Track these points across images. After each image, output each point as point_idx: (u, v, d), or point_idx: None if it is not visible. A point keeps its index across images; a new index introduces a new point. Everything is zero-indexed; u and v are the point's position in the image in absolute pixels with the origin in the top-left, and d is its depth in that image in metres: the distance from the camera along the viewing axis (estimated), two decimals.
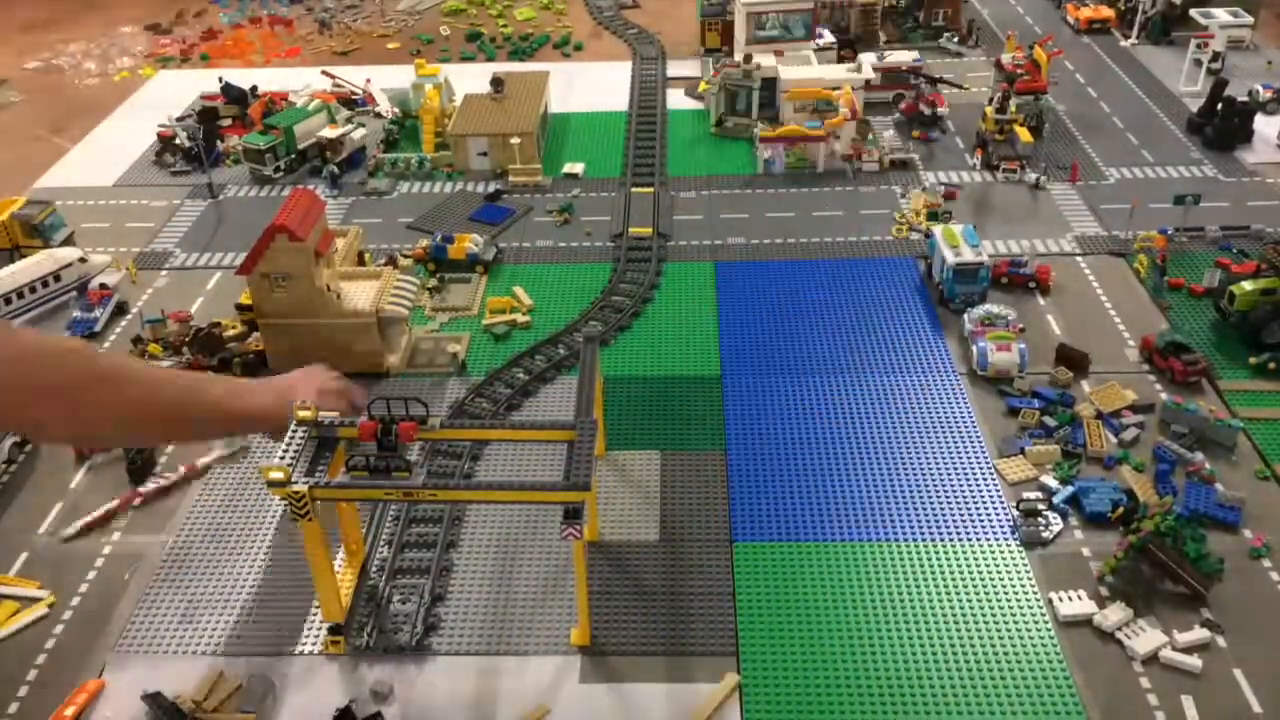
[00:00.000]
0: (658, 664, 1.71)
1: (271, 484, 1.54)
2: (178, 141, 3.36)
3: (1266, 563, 1.86)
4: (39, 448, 2.16)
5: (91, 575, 1.92)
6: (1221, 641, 1.71)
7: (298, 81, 3.75)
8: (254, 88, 3.64)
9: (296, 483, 1.54)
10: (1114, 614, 1.75)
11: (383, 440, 1.58)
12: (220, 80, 3.66)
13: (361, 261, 2.59)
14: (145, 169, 3.36)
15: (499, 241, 2.83)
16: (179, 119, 3.43)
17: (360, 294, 2.28)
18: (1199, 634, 1.72)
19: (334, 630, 1.73)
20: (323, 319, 2.21)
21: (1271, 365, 2.27)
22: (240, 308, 2.56)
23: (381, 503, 1.98)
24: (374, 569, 1.87)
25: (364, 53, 4.31)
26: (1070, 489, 1.96)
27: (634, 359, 2.39)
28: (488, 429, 1.91)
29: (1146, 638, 1.73)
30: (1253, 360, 2.29)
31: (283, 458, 1.59)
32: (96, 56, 4.45)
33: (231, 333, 2.47)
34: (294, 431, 1.61)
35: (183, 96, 3.78)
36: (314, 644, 1.77)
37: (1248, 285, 2.33)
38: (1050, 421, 2.14)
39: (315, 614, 1.81)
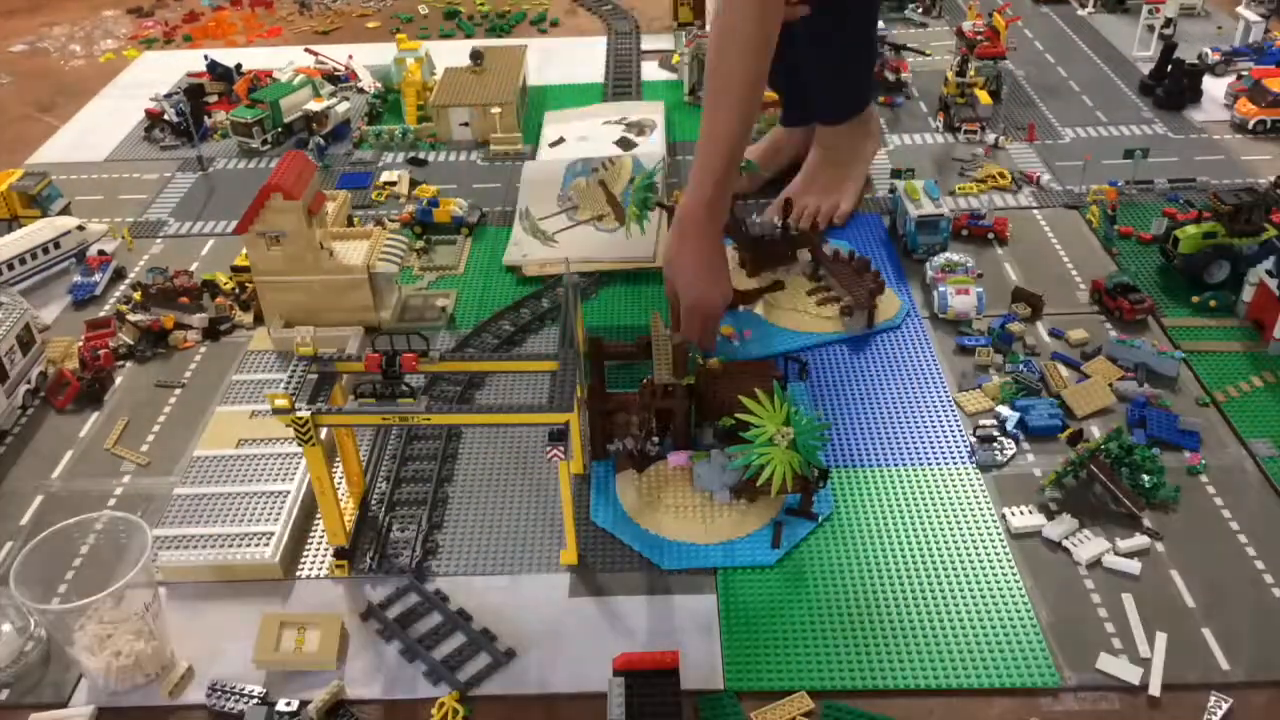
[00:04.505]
0: (639, 578, 1.84)
1: (276, 410, 1.66)
2: (166, 118, 3.46)
3: (1204, 478, 2.01)
4: (50, 399, 2.28)
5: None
6: (1160, 548, 1.86)
7: (281, 60, 3.85)
8: (238, 65, 3.74)
9: (300, 409, 1.66)
10: (1060, 526, 1.90)
11: (387, 370, 1.70)
12: (206, 58, 3.76)
13: (350, 225, 2.71)
14: (135, 145, 3.46)
15: (483, 206, 2.95)
16: (166, 96, 3.53)
17: (352, 252, 2.40)
18: (1138, 541, 1.87)
19: (339, 554, 1.85)
20: (316, 275, 2.33)
21: (1212, 303, 2.42)
22: (235, 269, 2.68)
23: (380, 430, 2.11)
24: (374, 501, 2.00)
25: (344, 31, 4.41)
26: (1016, 414, 2.10)
27: (615, 310, 2.52)
28: (479, 361, 2.04)
29: (1090, 545, 1.87)
30: (1195, 299, 2.44)
31: (285, 387, 1.71)
32: (81, 39, 4.53)
33: (227, 286, 2.58)
34: (295, 364, 1.74)
35: (168, 76, 3.87)
36: (320, 569, 1.89)
37: (1191, 229, 2.47)
38: (1001, 359, 2.28)
39: (319, 541, 1.94)
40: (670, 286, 2.24)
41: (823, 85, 2.59)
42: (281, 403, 1.70)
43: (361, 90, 3.70)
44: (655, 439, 2.02)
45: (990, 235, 2.79)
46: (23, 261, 2.72)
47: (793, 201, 2.73)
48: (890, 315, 2.43)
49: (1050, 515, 1.96)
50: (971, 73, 3.39)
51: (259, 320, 2.53)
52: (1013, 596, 1.81)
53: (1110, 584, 1.84)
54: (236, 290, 2.64)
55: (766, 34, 2.14)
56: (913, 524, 1.97)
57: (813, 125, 2.83)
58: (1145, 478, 1.96)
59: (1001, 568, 1.87)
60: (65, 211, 3.06)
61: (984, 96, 3.35)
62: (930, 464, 2.10)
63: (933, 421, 2.21)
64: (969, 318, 2.46)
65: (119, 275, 2.80)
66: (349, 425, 1.94)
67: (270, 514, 1.99)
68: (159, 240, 3.00)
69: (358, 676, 1.73)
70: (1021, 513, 1.97)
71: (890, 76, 3.59)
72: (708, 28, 3.82)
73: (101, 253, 2.81)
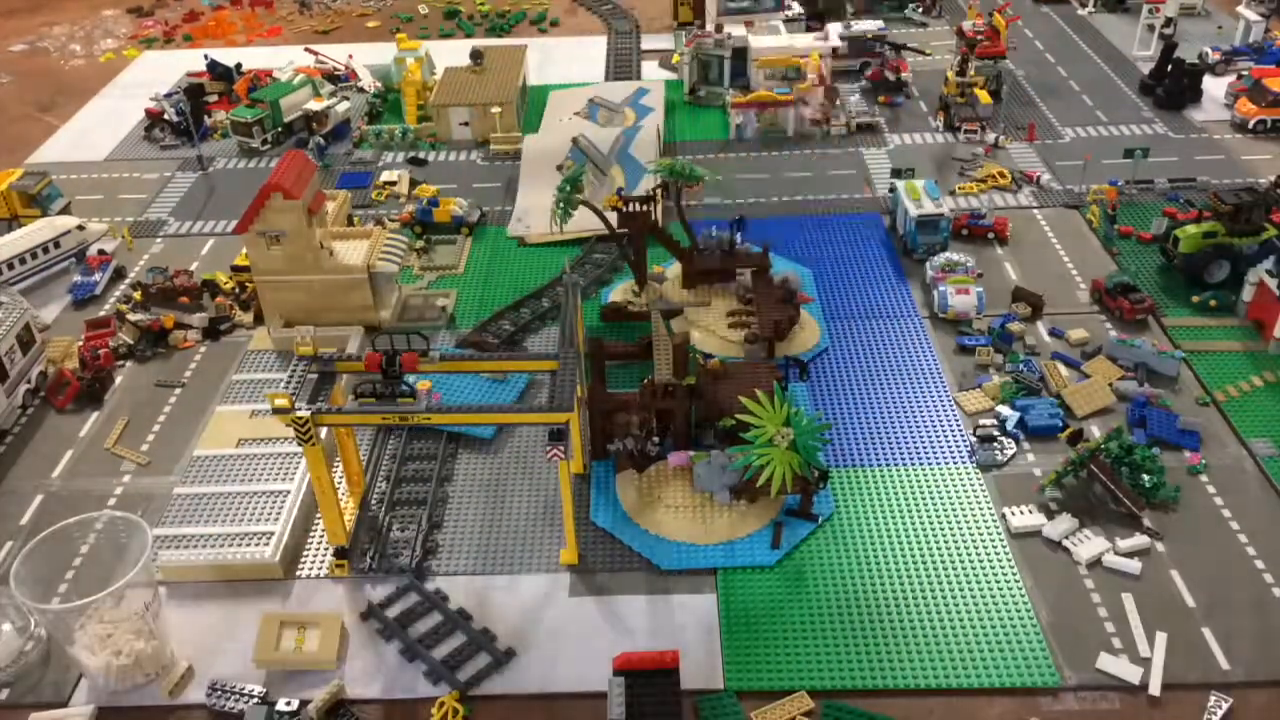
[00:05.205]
0: (639, 578, 1.84)
1: (276, 410, 1.66)
2: (166, 118, 3.46)
3: (1204, 478, 2.00)
4: (50, 398, 2.28)
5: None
6: (1160, 547, 1.86)
7: (280, 59, 3.84)
8: (238, 65, 3.73)
9: (300, 409, 1.66)
10: (1061, 525, 1.89)
11: (387, 370, 1.70)
12: (206, 58, 3.76)
13: (350, 225, 2.71)
14: (135, 144, 3.46)
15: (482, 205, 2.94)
16: (166, 95, 3.53)
17: (352, 252, 2.39)
18: (1139, 540, 1.87)
19: (339, 554, 1.85)
20: (316, 275, 2.32)
21: (1212, 303, 2.42)
22: (235, 269, 2.68)
23: (380, 430, 2.10)
24: (374, 501, 2.00)
25: (344, 31, 4.41)
26: (1016, 413, 2.10)
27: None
28: (479, 361, 2.04)
29: (1090, 545, 1.87)
30: (1195, 299, 2.44)
31: (285, 387, 1.71)
32: (81, 39, 4.53)
33: (227, 286, 2.58)
34: (295, 364, 1.74)
35: (167, 75, 3.87)
36: (320, 568, 1.89)
37: (1191, 229, 2.47)
38: (1001, 359, 2.28)
39: (319, 540, 1.94)
40: None
41: None
42: (281, 402, 1.70)
43: (361, 90, 3.70)
44: (655, 439, 2.02)
45: (990, 235, 2.79)
46: (23, 261, 2.72)
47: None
48: (803, 348, 2.42)
49: (1050, 515, 1.96)
50: (971, 72, 3.38)
51: (259, 320, 2.53)
52: (1013, 596, 1.81)
53: (1110, 584, 1.84)
54: (236, 290, 2.64)
55: None
56: (913, 524, 1.96)
57: None
58: (1145, 477, 1.96)
59: (1001, 568, 1.87)
60: (65, 211, 3.05)
61: (984, 96, 3.35)
62: (930, 464, 2.10)
63: (933, 421, 2.21)
64: (969, 317, 2.46)
65: (119, 275, 2.80)
66: (349, 425, 1.94)
67: (270, 514, 1.99)
68: (159, 240, 3.00)
69: (358, 676, 1.72)
70: (1021, 512, 1.97)
71: (890, 76, 3.59)
72: (708, 25, 3.82)
73: (101, 252, 2.81)
